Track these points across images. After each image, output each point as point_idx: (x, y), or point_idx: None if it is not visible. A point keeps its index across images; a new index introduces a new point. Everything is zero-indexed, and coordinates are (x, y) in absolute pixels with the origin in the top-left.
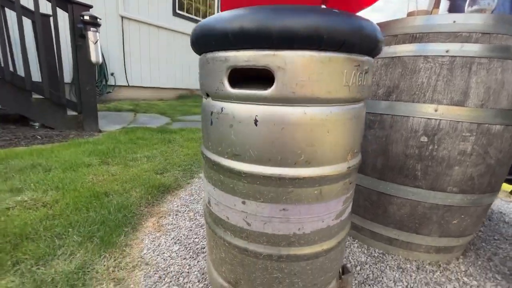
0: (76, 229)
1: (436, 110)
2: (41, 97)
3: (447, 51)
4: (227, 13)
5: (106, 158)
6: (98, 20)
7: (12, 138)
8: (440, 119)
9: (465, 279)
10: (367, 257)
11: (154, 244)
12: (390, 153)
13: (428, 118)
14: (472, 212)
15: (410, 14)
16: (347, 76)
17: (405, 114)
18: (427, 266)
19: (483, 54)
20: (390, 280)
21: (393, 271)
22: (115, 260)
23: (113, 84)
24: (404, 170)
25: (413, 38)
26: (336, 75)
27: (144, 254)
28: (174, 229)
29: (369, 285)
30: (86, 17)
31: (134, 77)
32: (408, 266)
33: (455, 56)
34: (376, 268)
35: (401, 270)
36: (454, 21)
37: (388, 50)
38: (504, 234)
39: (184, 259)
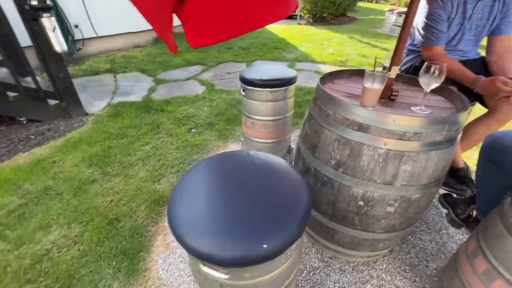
0: (106, 261)
1: (371, 186)
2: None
3: (384, 145)
4: None
5: (105, 166)
6: (48, 2)
7: (8, 143)
8: (374, 192)
9: (383, 275)
10: (319, 262)
11: (166, 264)
12: (337, 207)
13: (365, 191)
14: (394, 239)
15: (364, 90)
16: None
17: (349, 184)
18: (360, 267)
19: (413, 150)
20: (332, 282)
21: (335, 273)
22: (141, 285)
23: (81, 38)
24: (346, 219)
25: (361, 126)
26: None
27: (160, 274)
28: (178, 246)
29: None
30: (34, 2)
31: (102, 25)
32: (347, 267)
33: (390, 150)
34: (324, 272)
35: (341, 272)
36: (394, 121)
37: (341, 128)
38: (429, 224)
39: (189, 276)
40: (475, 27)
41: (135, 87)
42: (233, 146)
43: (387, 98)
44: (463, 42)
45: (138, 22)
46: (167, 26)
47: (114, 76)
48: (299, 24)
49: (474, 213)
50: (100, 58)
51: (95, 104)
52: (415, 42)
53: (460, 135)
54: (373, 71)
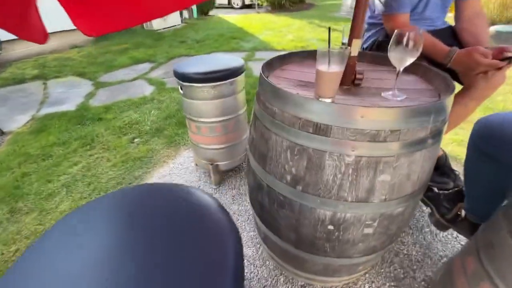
0: None
1: (341, 206)
2: None
3: (353, 150)
4: None
5: (15, 201)
6: None
7: None
8: (345, 213)
9: None
10: None
11: None
12: (301, 233)
13: (334, 212)
14: (376, 259)
15: (318, 75)
16: None
17: (312, 206)
18: None
19: (391, 153)
20: None
21: None
22: None
23: None
24: (315, 246)
25: (318, 128)
26: None
27: None
28: None
29: None
30: None
31: None
32: None
33: (361, 157)
34: None
35: None
36: (362, 116)
37: (292, 132)
38: (410, 224)
39: None
40: None
41: (70, 94)
42: (186, 154)
43: (350, 83)
44: (429, 8)
45: None
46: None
47: (44, 83)
48: (258, 12)
49: (463, 212)
50: (27, 63)
51: (15, 119)
52: (376, 13)
53: (446, 125)
54: (328, 48)
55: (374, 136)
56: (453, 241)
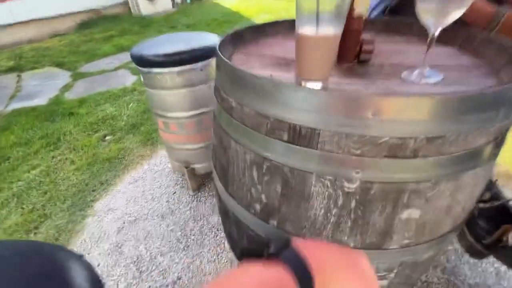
0: None
1: None
2: None
3: (357, 172)
4: None
5: None
6: None
7: None
8: None
9: None
10: None
11: None
12: None
13: None
14: None
15: (299, 43)
16: None
17: None
18: None
19: (425, 176)
20: None
21: None
22: None
23: None
24: None
25: (296, 134)
26: None
27: None
28: None
29: None
30: None
31: (3, 9)
32: None
33: (372, 183)
34: None
35: None
36: (374, 114)
37: (257, 139)
38: None
39: None
40: None
41: (44, 87)
42: (163, 153)
43: (353, 59)
44: None
45: (56, 3)
46: None
47: (18, 76)
48: None
49: (511, 238)
50: (2, 54)
51: None
52: None
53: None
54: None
55: (395, 148)
56: (486, 263)
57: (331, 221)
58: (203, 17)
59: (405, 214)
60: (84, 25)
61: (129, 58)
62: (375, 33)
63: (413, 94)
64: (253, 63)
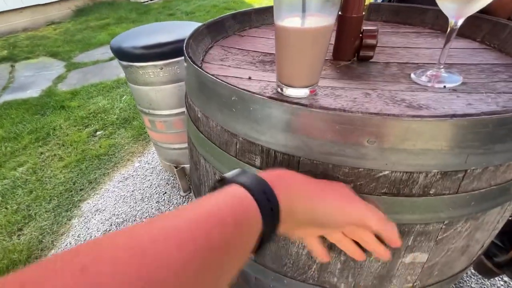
0: None
1: None
2: None
3: None
4: None
5: None
6: None
7: None
8: None
9: None
10: None
11: None
12: None
13: None
14: None
15: (278, 36)
16: None
17: (275, 285)
18: None
19: (438, 218)
20: None
21: None
22: None
23: None
24: None
25: (271, 159)
26: None
27: None
28: None
29: None
30: None
31: None
32: None
33: None
34: None
35: None
36: (370, 140)
37: (226, 163)
38: None
39: None
40: None
41: (38, 78)
42: (155, 150)
43: (352, 56)
44: None
45: None
46: None
47: (12, 66)
48: None
49: None
50: None
51: None
52: None
53: None
54: None
55: (399, 184)
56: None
57: (317, 261)
58: (203, 2)
59: (408, 258)
60: (79, 12)
61: None
62: (380, 23)
63: (427, 117)
64: (231, 60)
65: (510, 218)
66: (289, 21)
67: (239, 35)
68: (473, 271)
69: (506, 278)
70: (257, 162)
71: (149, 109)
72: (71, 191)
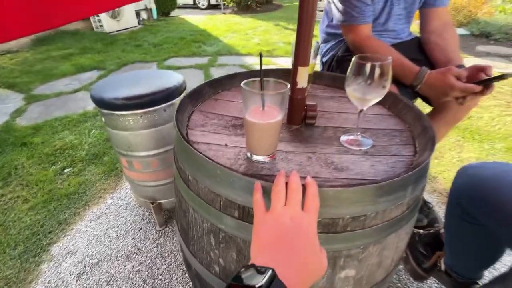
0: None
1: None
2: None
3: None
4: None
5: None
6: None
7: None
8: None
9: None
10: None
11: None
12: None
13: None
14: None
15: (246, 125)
16: None
17: None
18: None
19: (355, 245)
20: None
21: None
22: None
23: None
24: None
25: (245, 213)
26: None
27: None
28: None
29: None
30: None
31: None
32: None
33: None
34: None
35: None
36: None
37: (213, 213)
38: None
39: None
40: None
41: None
42: (128, 185)
43: (300, 122)
44: (392, 18)
45: None
46: None
47: None
48: (223, 13)
49: (443, 264)
50: None
51: None
52: (334, 23)
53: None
54: (261, 86)
55: (329, 226)
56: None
57: None
58: (170, 34)
59: (343, 274)
60: (39, 42)
61: (91, 79)
62: (323, 86)
63: (341, 186)
64: (210, 125)
65: (431, 231)
66: (252, 115)
67: (214, 99)
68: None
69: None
70: (236, 214)
71: (127, 151)
72: (38, 235)
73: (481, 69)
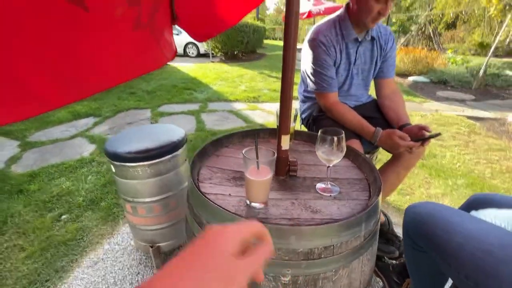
0: None
1: None
2: None
3: (288, 270)
4: None
5: None
6: None
7: None
8: None
9: None
10: None
11: None
12: None
13: None
14: None
15: (247, 183)
16: None
17: None
18: None
19: (328, 269)
20: None
21: None
22: None
23: None
24: None
25: None
26: None
27: None
28: None
29: None
30: None
31: None
32: None
33: (297, 276)
34: None
35: None
36: (294, 235)
37: None
38: None
39: None
40: (361, 71)
41: None
42: (126, 229)
43: (285, 174)
44: (353, 86)
45: None
46: None
47: None
48: (212, 62)
49: None
50: None
51: None
52: (309, 89)
53: (379, 222)
54: (256, 156)
55: (308, 255)
56: None
57: None
58: (163, 82)
59: None
60: None
61: (87, 125)
62: (302, 142)
63: (315, 224)
64: (215, 178)
65: (401, 261)
66: (250, 174)
67: (216, 155)
68: None
69: None
70: None
71: (133, 198)
72: (36, 284)
73: (422, 127)
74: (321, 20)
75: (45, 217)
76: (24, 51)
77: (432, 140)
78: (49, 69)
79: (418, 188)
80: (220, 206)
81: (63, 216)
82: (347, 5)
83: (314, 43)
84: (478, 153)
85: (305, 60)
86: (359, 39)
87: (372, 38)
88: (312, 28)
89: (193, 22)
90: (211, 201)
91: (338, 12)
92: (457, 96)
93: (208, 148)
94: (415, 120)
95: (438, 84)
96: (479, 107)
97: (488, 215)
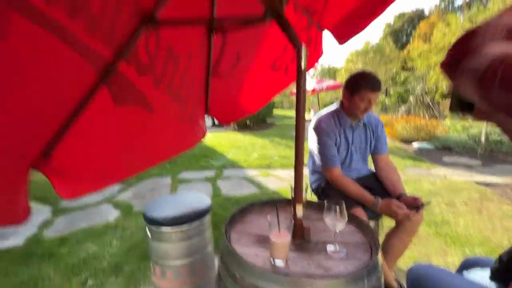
0: None
1: None
2: None
3: None
4: None
5: None
6: None
7: None
8: None
9: None
10: None
11: None
12: None
13: None
14: None
15: (271, 244)
16: None
17: None
18: None
19: None
20: None
21: None
22: None
23: None
24: None
25: None
26: None
27: None
28: None
29: None
30: None
31: None
32: None
33: None
34: None
35: None
36: (309, 286)
37: None
38: None
39: None
40: (359, 149)
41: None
42: None
43: (300, 238)
44: (353, 162)
45: None
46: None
47: None
48: (226, 131)
49: None
50: None
51: None
52: (316, 164)
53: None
54: (278, 225)
55: None
56: None
57: None
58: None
59: None
60: None
61: (112, 192)
62: (314, 210)
63: (324, 277)
64: (243, 241)
65: None
66: (274, 237)
67: (241, 222)
68: None
69: None
70: None
71: (164, 260)
72: None
73: (415, 198)
74: (322, 111)
75: (71, 282)
76: (111, 148)
77: (444, 207)
78: (123, 155)
79: (434, 256)
80: (254, 264)
81: (89, 281)
82: (341, 102)
83: (317, 130)
84: (493, 221)
85: (311, 142)
86: (353, 125)
87: (364, 124)
88: (315, 118)
89: (222, 112)
90: (247, 261)
91: (334, 107)
92: (464, 161)
93: (236, 216)
94: (424, 186)
95: (443, 150)
96: (487, 172)
97: (478, 274)
